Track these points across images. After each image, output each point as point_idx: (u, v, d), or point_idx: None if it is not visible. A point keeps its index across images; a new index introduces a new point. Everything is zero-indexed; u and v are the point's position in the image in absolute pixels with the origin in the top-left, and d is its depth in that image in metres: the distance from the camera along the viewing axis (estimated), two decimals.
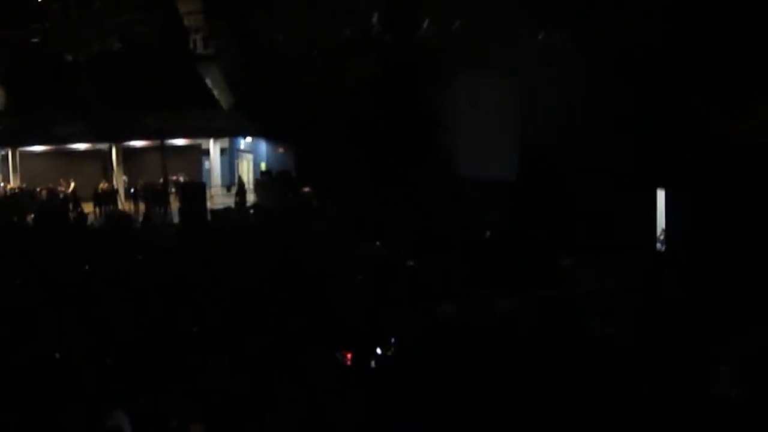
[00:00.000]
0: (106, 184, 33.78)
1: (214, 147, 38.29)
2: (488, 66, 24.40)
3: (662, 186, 21.36)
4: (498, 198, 24.68)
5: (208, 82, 35.76)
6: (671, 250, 20.84)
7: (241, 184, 35.31)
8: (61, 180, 33.76)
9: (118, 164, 35.45)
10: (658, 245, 21.31)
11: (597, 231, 20.69)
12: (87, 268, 19.24)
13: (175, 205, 32.01)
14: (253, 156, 38.87)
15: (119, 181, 35.08)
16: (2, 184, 34.73)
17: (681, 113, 19.87)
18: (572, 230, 21.19)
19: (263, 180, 35.12)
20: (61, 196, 33.01)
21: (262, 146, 37.67)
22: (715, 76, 18.93)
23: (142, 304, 15.73)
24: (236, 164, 40.28)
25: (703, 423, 11.33)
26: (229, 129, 37.57)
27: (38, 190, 33.65)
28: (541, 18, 23.31)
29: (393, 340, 13.37)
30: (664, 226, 21.38)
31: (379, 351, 13.07)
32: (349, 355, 12.92)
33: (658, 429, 11.21)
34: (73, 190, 33.19)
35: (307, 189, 30.94)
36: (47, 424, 10.69)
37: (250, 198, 34.33)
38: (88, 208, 32.01)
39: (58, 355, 12.99)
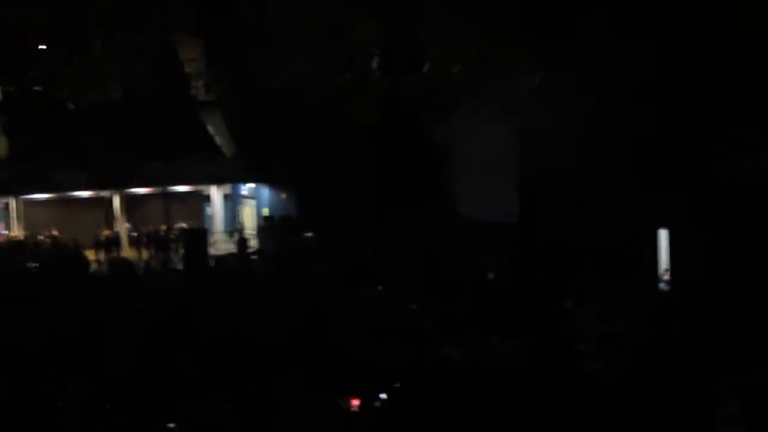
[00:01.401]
0: (109, 232, 33.87)
1: (216, 193, 38.38)
2: (488, 107, 24.55)
3: (664, 225, 21.35)
4: (500, 240, 24.68)
5: (210, 128, 36.01)
6: (674, 289, 20.76)
7: (240, 231, 35.39)
8: (45, 230, 33.87)
9: (120, 211, 35.53)
10: (661, 285, 21.23)
11: (599, 272, 20.65)
12: (91, 315, 19.18)
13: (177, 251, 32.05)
14: (255, 202, 38.96)
15: (122, 228, 35.12)
16: (6, 232, 34.80)
17: (681, 152, 19.93)
18: (574, 271, 21.14)
19: (266, 225, 35.19)
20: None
21: (265, 192, 37.77)
22: (715, 114, 19.02)
23: (144, 350, 15.68)
24: (239, 210, 40.34)
25: None
26: (231, 175, 37.76)
27: (41, 237, 33.71)
28: (541, 59, 23.47)
29: (396, 384, 13.31)
30: (666, 265, 21.32)
31: (383, 396, 13.00)
32: (354, 401, 12.84)
33: None
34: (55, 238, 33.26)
35: (308, 234, 30.96)
36: None
37: (253, 243, 34.33)
38: (91, 255, 32.03)
39: (59, 402, 12.94)
